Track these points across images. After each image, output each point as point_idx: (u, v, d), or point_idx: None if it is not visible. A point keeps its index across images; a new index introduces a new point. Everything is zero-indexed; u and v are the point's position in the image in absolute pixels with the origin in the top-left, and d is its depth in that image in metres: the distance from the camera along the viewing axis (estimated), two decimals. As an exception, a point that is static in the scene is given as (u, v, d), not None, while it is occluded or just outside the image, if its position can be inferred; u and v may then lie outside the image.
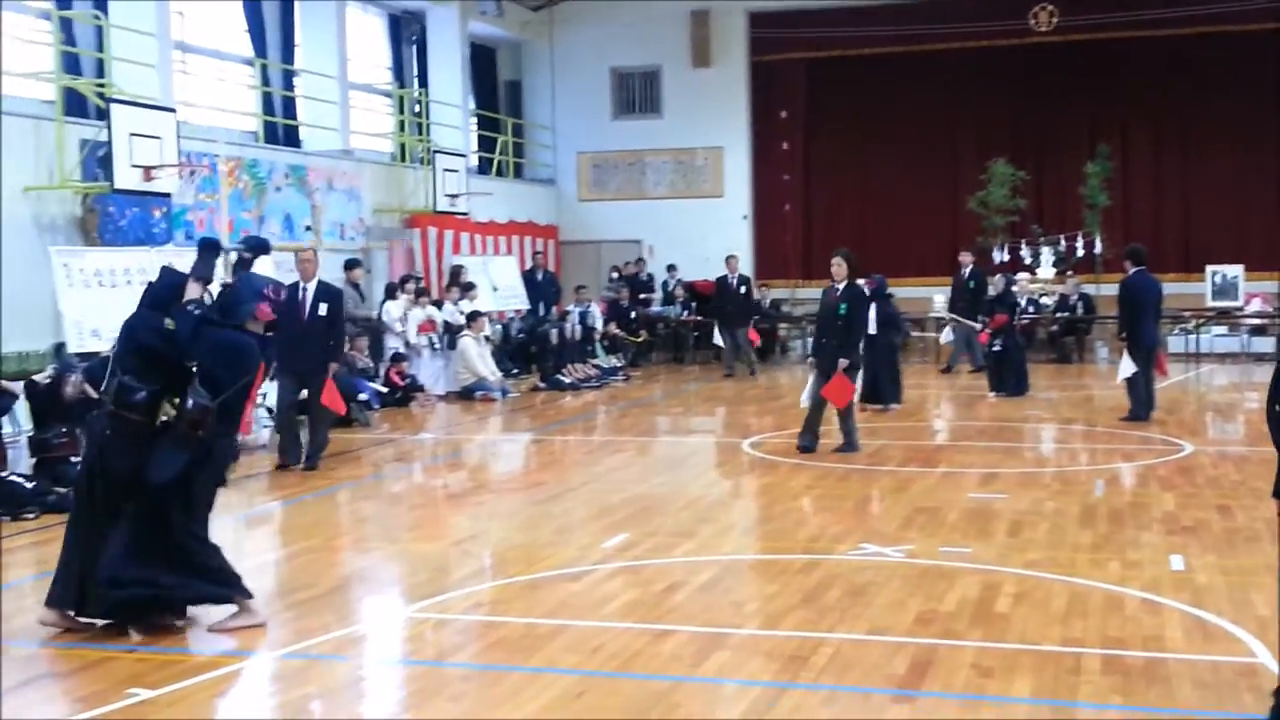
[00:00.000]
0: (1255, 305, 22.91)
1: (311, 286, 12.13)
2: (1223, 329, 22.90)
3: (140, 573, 6.54)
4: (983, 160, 24.89)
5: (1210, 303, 22.97)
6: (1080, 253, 23.66)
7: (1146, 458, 12.02)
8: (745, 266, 25.76)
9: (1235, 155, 25.19)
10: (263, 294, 6.91)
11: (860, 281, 13.39)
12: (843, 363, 12.18)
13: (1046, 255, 23.50)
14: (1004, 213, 24.24)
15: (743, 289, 21.48)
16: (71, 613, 6.75)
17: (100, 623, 6.71)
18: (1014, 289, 18.35)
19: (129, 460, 6.60)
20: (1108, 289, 24.03)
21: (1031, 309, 22.69)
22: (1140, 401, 14.34)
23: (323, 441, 12.28)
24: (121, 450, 6.64)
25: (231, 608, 6.76)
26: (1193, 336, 22.50)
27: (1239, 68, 24.56)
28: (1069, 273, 23.47)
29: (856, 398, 12.82)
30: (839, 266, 12.51)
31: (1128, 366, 14.25)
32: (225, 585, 6.75)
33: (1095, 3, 24.51)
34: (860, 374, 13.27)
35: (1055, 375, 20.32)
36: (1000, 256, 23.40)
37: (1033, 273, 23.49)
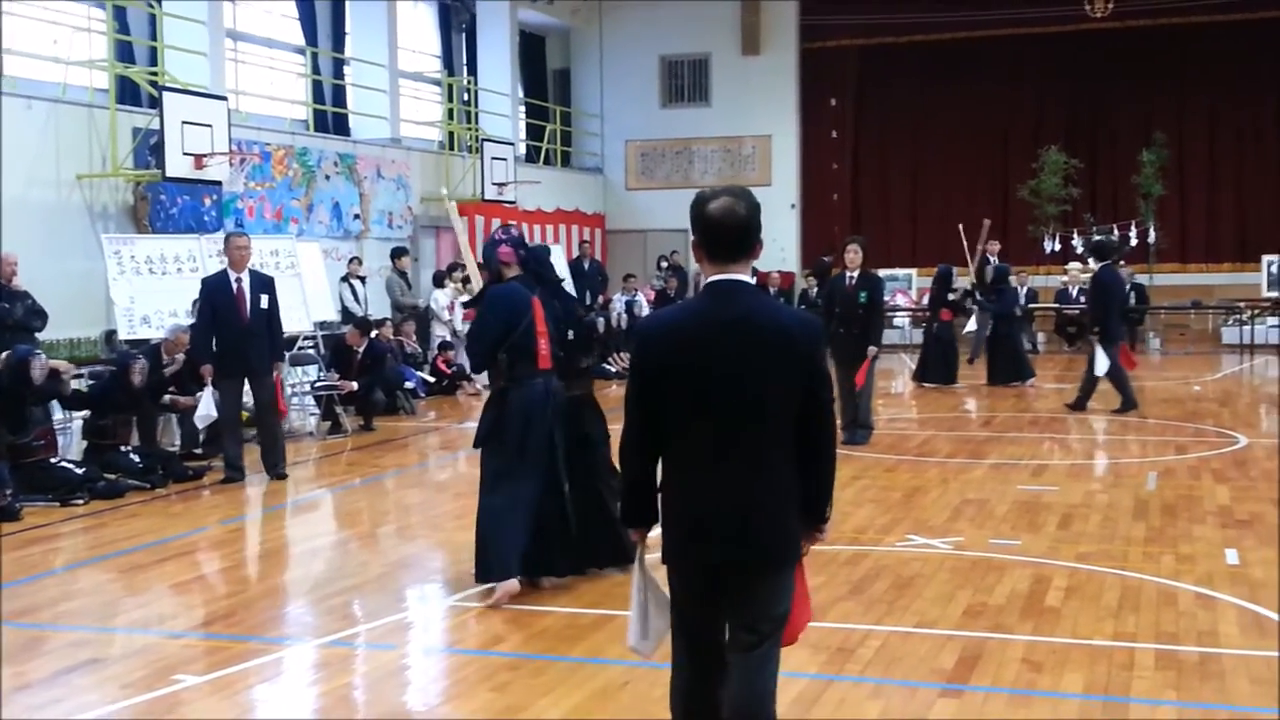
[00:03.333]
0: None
1: (246, 277, 10.80)
2: (1278, 320, 22.53)
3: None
4: (1035, 148, 24.64)
5: (1266, 293, 22.62)
6: (1134, 243, 23.37)
7: (1200, 450, 11.84)
8: (791, 256, 25.64)
9: (1292, 143, 24.83)
10: (497, 240, 7.23)
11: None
12: (872, 350, 12.10)
13: (1099, 245, 23.20)
14: (1056, 201, 23.98)
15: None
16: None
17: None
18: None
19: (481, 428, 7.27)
20: (1161, 279, 23.85)
21: (1084, 299, 22.47)
22: (1129, 391, 14.29)
23: (282, 446, 11.15)
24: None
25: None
26: (1247, 327, 22.16)
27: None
28: (1121, 263, 23.15)
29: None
30: (855, 253, 12.29)
31: (1103, 362, 14.18)
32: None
33: (1151, -13, 24.18)
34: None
35: (1107, 366, 20.05)
36: (1052, 246, 23.15)
37: (1085, 262, 23.22)
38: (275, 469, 10.97)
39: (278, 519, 9.96)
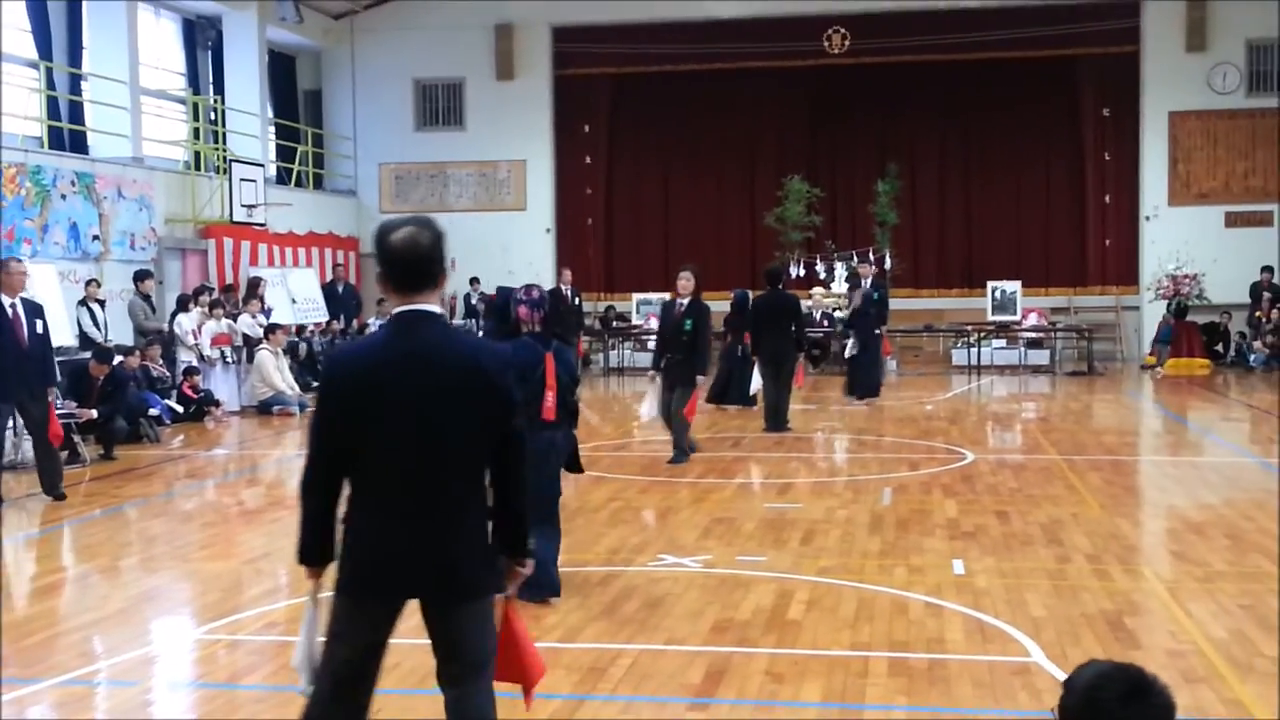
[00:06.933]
0: (1032, 319, 24.05)
1: (19, 303, 10.83)
2: (1002, 342, 23.99)
3: None
4: (779, 177, 25.52)
5: (991, 317, 24.02)
6: (873, 268, 24.40)
7: (931, 466, 12.50)
8: (547, 281, 25.79)
9: (1012, 176, 26.56)
10: (518, 300, 7.48)
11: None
12: (700, 379, 12.39)
13: (840, 271, 24.22)
14: (800, 229, 24.88)
15: (576, 300, 21.87)
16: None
17: None
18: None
19: None
20: (897, 304, 24.97)
21: (826, 323, 23.35)
22: (770, 410, 14.99)
23: (60, 465, 11.31)
24: None
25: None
26: (974, 349, 23.50)
27: (1016, 93, 25.90)
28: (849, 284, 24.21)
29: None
30: (687, 281, 12.51)
31: (756, 380, 15.22)
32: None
33: (884, 28, 25.42)
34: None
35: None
36: (796, 271, 24.01)
37: (827, 287, 24.20)
38: (55, 489, 10.96)
39: (7, 554, 9.50)
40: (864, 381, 18.11)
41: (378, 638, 4.00)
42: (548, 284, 24.04)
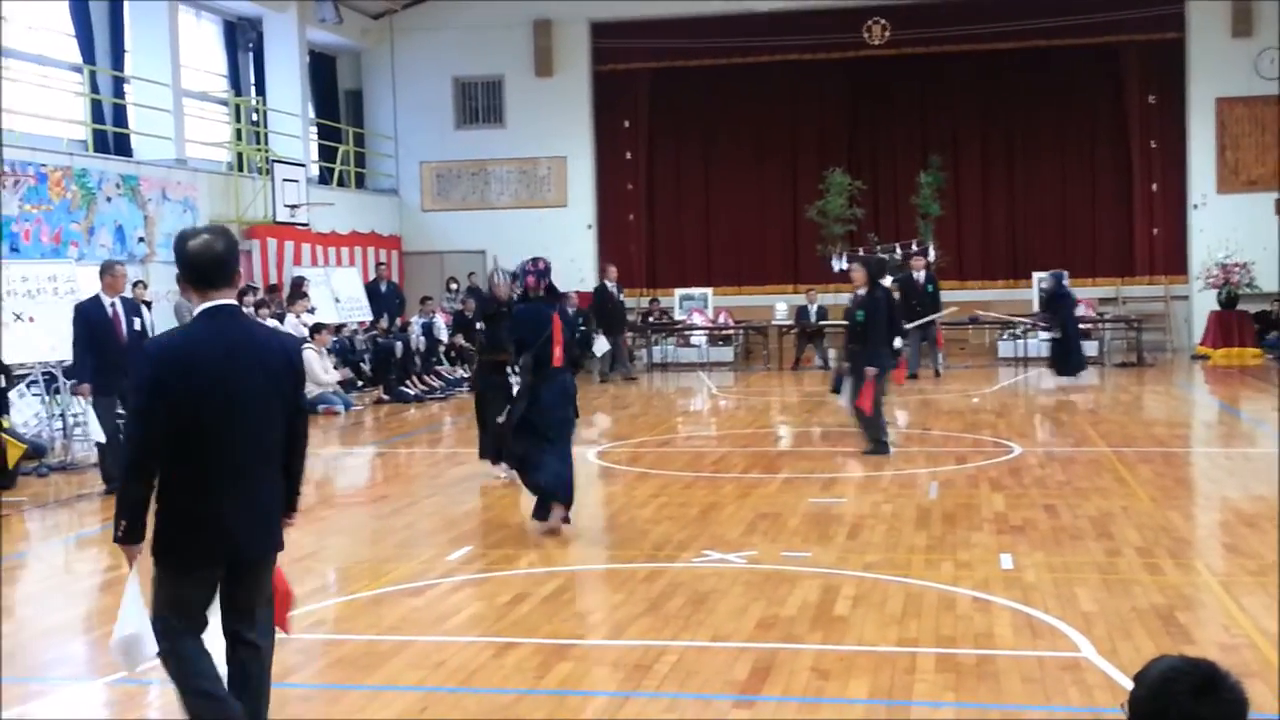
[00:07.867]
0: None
1: (118, 302, 11.61)
2: (1049, 334, 23.69)
3: None
4: (821, 170, 25.39)
5: (1037, 308, 23.78)
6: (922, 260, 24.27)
7: (978, 460, 12.39)
8: (590, 277, 25.79)
9: (1057, 166, 26.25)
10: (526, 270, 9.26)
11: None
12: (870, 371, 12.43)
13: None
14: (842, 221, 24.74)
15: (620, 295, 22.26)
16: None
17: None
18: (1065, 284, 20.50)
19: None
20: (941, 296, 24.86)
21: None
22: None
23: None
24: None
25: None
26: (1020, 341, 23.28)
27: (1060, 81, 25.63)
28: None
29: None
30: (858, 272, 12.76)
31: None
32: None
33: (925, 18, 25.22)
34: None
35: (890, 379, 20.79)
36: (839, 265, 23.88)
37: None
38: (114, 482, 11.20)
39: (60, 554, 9.60)
40: (1074, 361, 19.39)
41: (213, 594, 4.58)
42: (591, 281, 24.25)
